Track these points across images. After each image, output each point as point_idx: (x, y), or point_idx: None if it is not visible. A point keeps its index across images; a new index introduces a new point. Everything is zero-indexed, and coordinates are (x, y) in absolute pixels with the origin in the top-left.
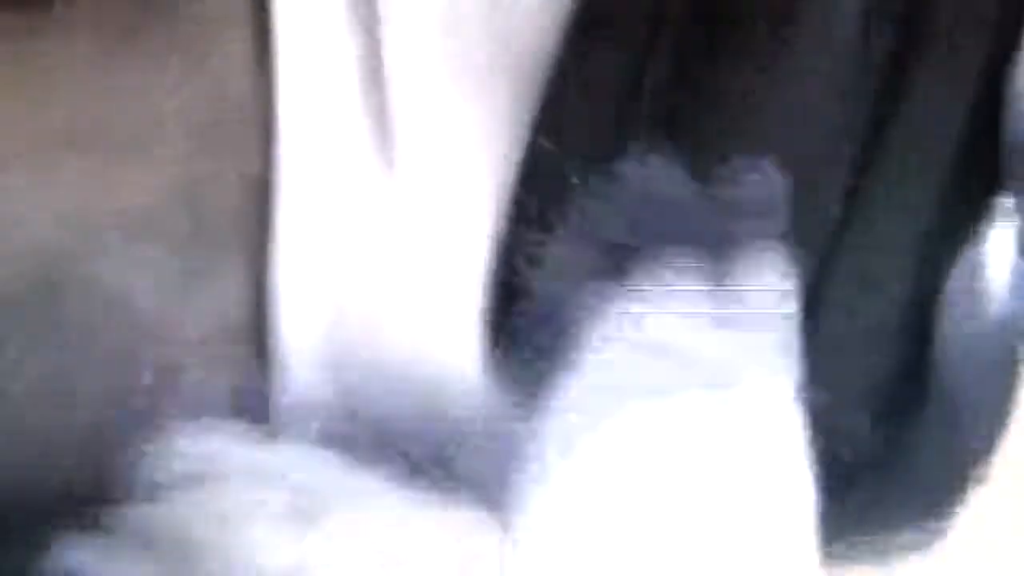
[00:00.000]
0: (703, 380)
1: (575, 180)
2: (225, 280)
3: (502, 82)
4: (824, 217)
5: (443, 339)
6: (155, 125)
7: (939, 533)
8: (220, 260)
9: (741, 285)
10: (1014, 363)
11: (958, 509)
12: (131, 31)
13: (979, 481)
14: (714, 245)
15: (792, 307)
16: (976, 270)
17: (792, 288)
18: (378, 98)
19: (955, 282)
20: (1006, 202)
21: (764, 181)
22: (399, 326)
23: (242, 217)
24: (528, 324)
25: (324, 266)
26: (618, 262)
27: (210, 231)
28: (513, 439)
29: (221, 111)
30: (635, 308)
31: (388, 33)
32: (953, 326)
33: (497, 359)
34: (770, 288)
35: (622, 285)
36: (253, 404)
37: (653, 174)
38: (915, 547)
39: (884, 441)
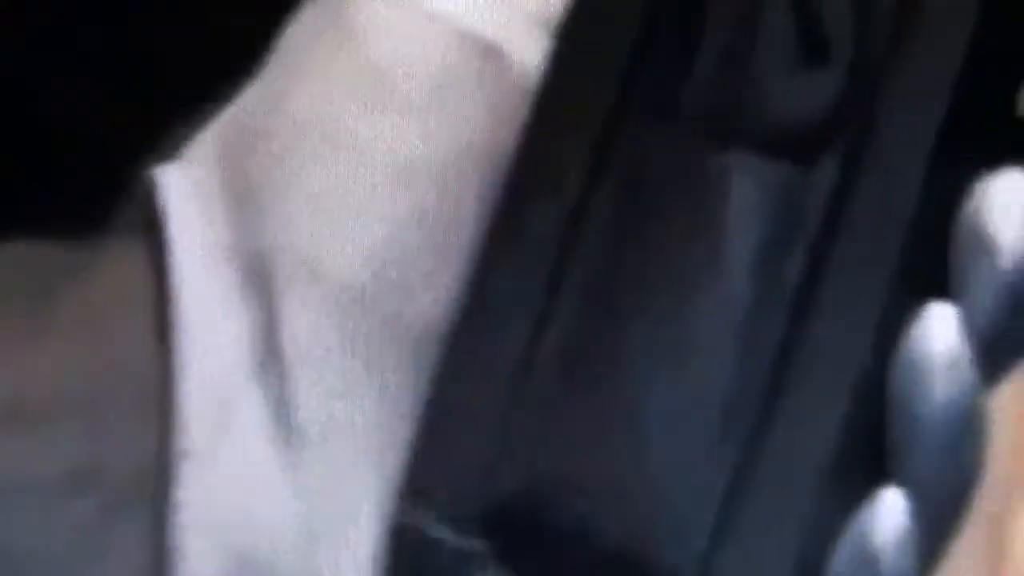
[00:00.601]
0: None
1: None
2: (124, 553)
3: (394, 360)
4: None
5: None
6: (55, 403)
7: None
8: (120, 535)
9: None
10: None
11: None
12: (30, 309)
13: None
14: None
15: None
16: (865, 537)
17: None
18: (275, 375)
19: (841, 552)
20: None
21: None
22: None
23: (142, 491)
24: None
25: (223, 537)
26: None
27: (111, 506)
28: None
29: (120, 389)
30: None
31: (283, 311)
32: None
33: None
34: None
35: None
36: None
37: None
38: None
39: None
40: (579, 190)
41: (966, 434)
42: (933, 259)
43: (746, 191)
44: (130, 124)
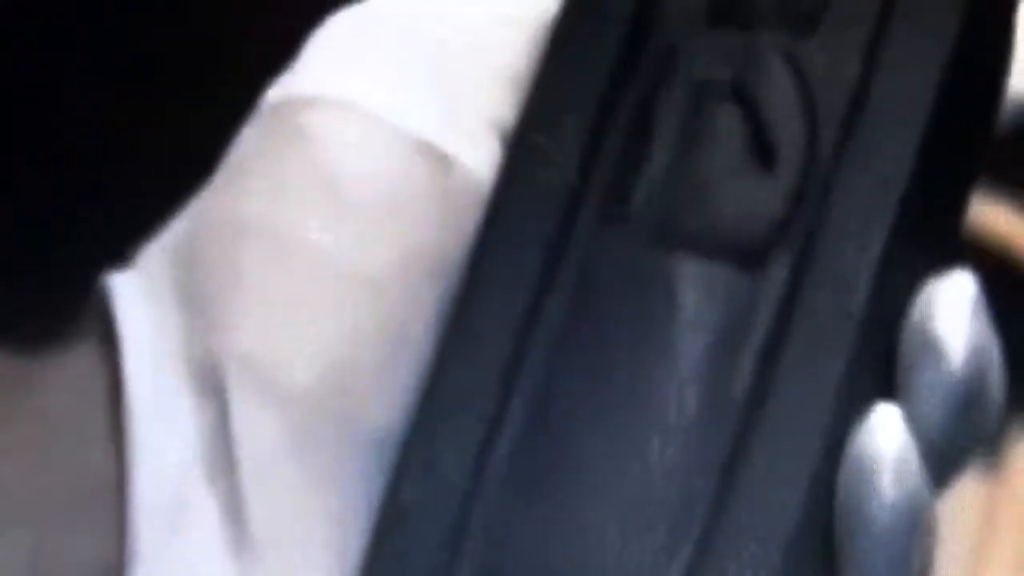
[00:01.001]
0: None
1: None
2: None
3: (348, 467)
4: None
5: None
6: (6, 507)
7: None
8: None
9: None
10: None
11: None
12: None
13: None
14: None
15: None
16: None
17: None
18: (228, 479)
19: None
20: None
21: None
22: None
23: None
24: None
25: None
26: None
27: None
28: None
29: (73, 493)
30: None
31: (235, 416)
32: None
33: None
34: None
35: None
36: None
37: None
38: None
39: None
40: (531, 295)
41: (914, 535)
42: (882, 362)
43: (696, 296)
44: (85, 227)
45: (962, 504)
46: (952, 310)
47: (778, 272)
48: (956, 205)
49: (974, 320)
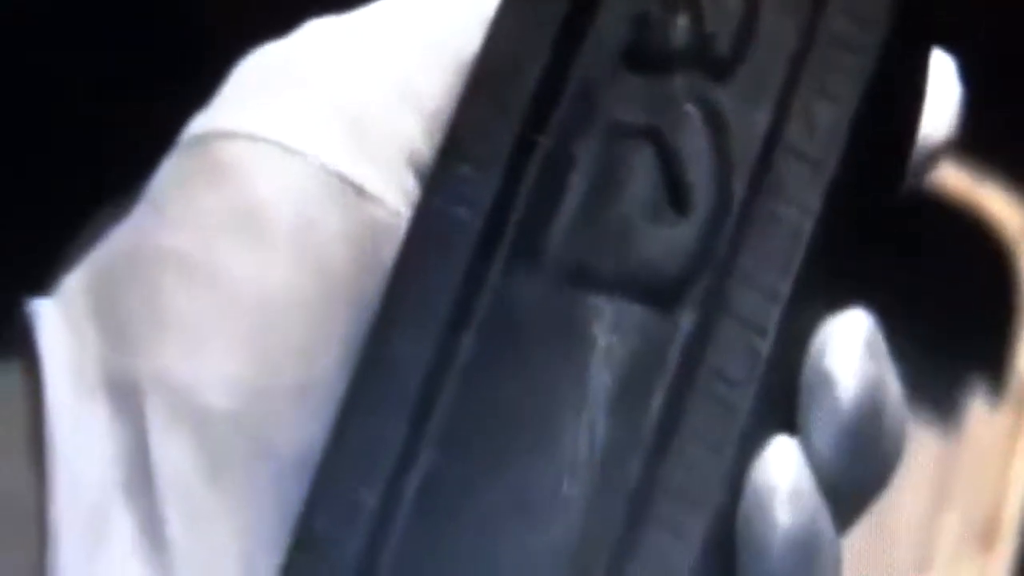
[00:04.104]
0: None
1: None
2: None
3: (263, 487)
4: None
5: None
6: None
7: None
8: None
9: None
10: None
11: None
12: None
13: None
14: None
15: None
16: None
17: None
18: (146, 498)
19: None
20: None
21: None
22: None
23: None
24: None
25: None
26: None
27: None
28: None
29: None
30: None
31: (153, 435)
32: None
33: None
34: None
35: None
36: None
37: None
38: None
39: None
40: (444, 330)
41: (811, 566)
42: (787, 399)
43: (608, 335)
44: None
45: (916, 467)
46: (844, 346)
47: (689, 313)
48: (865, 247)
49: (867, 355)
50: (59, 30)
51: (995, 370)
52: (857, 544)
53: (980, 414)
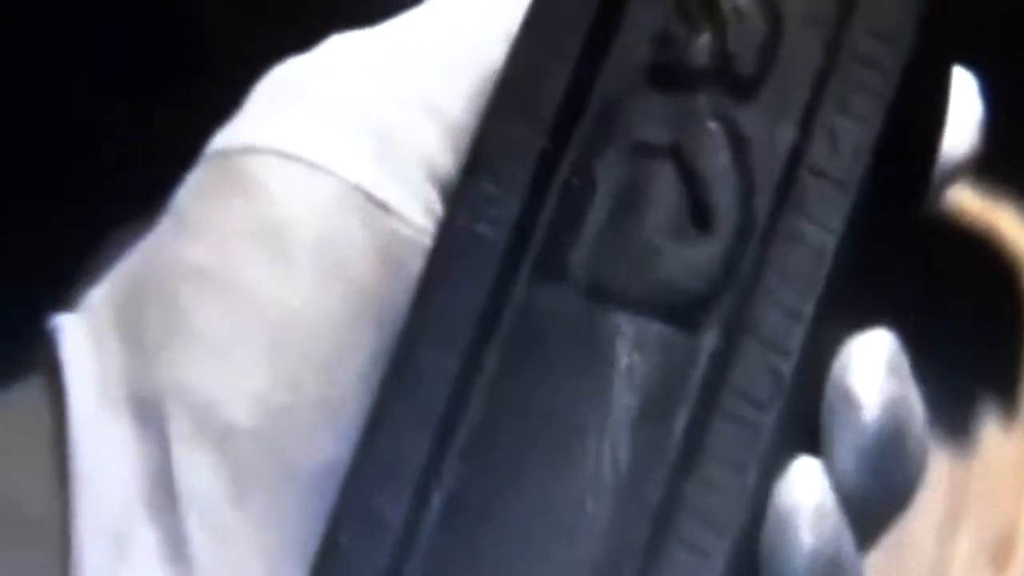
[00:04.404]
0: None
1: None
2: None
3: (288, 505)
4: None
5: None
6: None
7: None
8: None
9: None
10: None
11: None
12: None
13: None
14: None
15: None
16: None
17: None
18: (170, 515)
19: None
20: None
21: None
22: None
23: None
24: None
25: None
26: None
27: None
28: None
29: (18, 529)
30: None
31: (176, 453)
32: None
33: None
34: None
35: None
36: None
37: None
38: None
39: None
40: (468, 347)
41: None
42: (810, 420)
43: (631, 353)
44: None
45: (930, 487)
46: (868, 365)
47: (712, 333)
48: (889, 266)
49: (890, 374)
50: (59, 30)
51: (1008, 391)
52: (871, 563)
53: (993, 434)
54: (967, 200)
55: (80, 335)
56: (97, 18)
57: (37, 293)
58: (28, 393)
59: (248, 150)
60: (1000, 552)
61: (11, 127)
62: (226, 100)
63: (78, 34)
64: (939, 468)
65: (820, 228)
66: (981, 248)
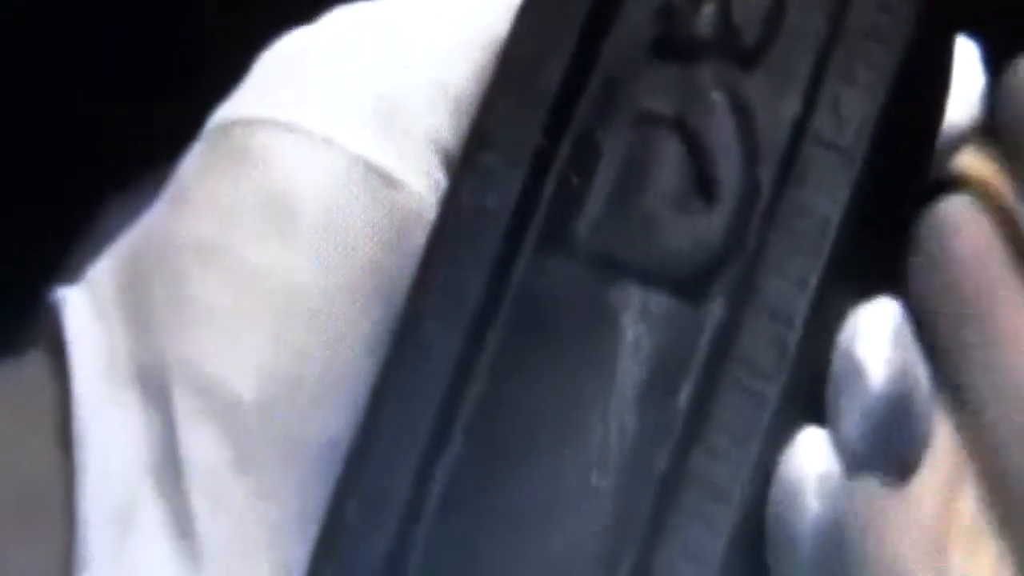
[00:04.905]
0: None
1: None
2: None
3: (291, 478)
4: None
5: None
6: None
7: None
8: None
9: None
10: None
11: None
12: None
13: None
14: None
15: None
16: None
17: None
18: (176, 489)
19: None
20: None
21: None
22: None
23: None
24: None
25: None
26: None
27: None
28: None
29: (22, 501)
30: None
31: (181, 426)
32: None
33: None
34: None
35: None
36: None
37: None
38: None
39: None
40: (473, 320)
41: (840, 553)
42: (816, 389)
43: (636, 324)
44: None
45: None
46: (873, 335)
47: (717, 303)
48: (893, 238)
49: (896, 343)
50: (59, 30)
51: None
52: (875, 526)
53: None
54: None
55: (83, 309)
56: (97, 18)
57: (37, 296)
58: (31, 367)
59: (252, 123)
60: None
61: (11, 127)
62: (226, 100)
63: (78, 34)
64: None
65: (825, 198)
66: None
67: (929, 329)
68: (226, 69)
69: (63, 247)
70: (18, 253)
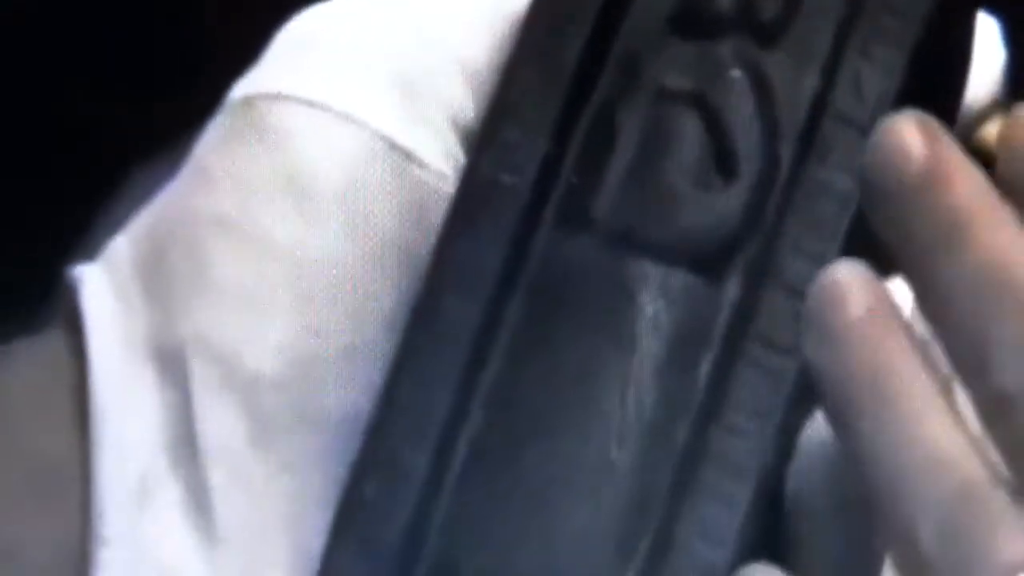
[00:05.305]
0: None
1: None
2: None
3: (310, 451)
4: None
5: None
6: None
7: None
8: None
9: None
10: None
11: None
12: None
13: None
14: None
15: None
16: None
17: None
18: (192, 465)
19: None
20: None
21: None
22: None
23: None
24: None
25: None
26: None
27: None
28: None
29: (39, 478)
30: None
31: (198, 402)
32: None
33: None
34: None
35: None
36: None
37: None
38: None
39: None
40: (492, 295)
41: (865, 523)
42: None
43: (655, 300)
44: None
45: None
46: None
47: (736, 280)
48: None
49: (913, 320)
50: (59, 30)
51: None
52: None
53: None
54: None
55: (101, 285)
56: (97, 18)
57: (37, 298)
58: (49, 345)
59: (271, 98)
60: None
61: (11, 127)
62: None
63: (78, 34)
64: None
65: (844, 175)
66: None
67: (824, 396)
68: (226, 69)
69: (63, 247)
70: (18, 253)
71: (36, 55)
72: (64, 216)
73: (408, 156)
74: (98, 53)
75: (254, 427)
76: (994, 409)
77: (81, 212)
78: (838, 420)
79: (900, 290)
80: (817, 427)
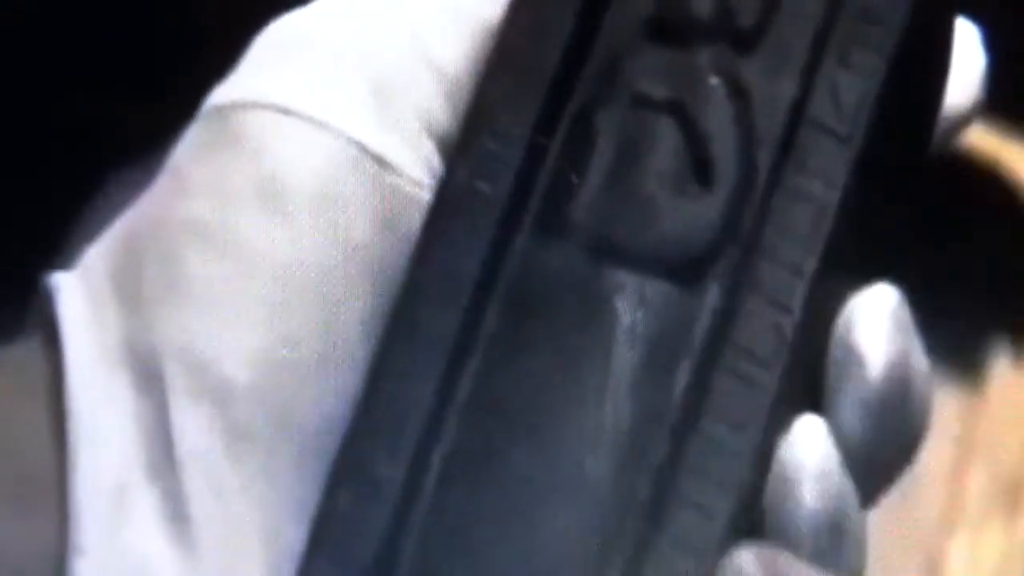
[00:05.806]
0: None
1: None
2: None
3: (286, 458)
4: None
5: None
6: None
7: None
8: None
9: None
10: None
11: None
12: None
13: None
14: None
15: None
16: None
17: None
18: (169, 473)
19: None
20: None
21: None
22: None
23: None
24: None
25: None
26: None
27: None
28: None
29: (14, 486)
30: None
31: (174, 409)
32: None
33: None
34: None
35: None
36: None
37: None
38: None
39: None
40: (468, 303)
41: (838, 544)
42: (813, 377)
43: (632, 309)
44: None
45: (942, 425)
46: (871, 322)
47: (714, 289)
48: (890, 223)
49: (894, 330)
50: (59, 30)
51: (1018, 329)
52: (883, 502)
53: (1003, 374)
54: (979, 141)
55: (77, 293)
56: (97, 18)
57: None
58: (25, 353)
59: (246, 106)
60: (1013, 491)
61: (11, 127)
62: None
63: (78, 34)
64: (950, 409)
65: (822, 183)
66: (993, 188)
67: None
68: (225, 68)
69: (63, 247)
70: (18, 253)
71: (36, 55)
72: (64, 216)
73: (384, 164)
74: (98, 53)
75: (230, 435)
76: None
77: (81, 211)
78: None
79: (885, 295)
80: (793, 445)
